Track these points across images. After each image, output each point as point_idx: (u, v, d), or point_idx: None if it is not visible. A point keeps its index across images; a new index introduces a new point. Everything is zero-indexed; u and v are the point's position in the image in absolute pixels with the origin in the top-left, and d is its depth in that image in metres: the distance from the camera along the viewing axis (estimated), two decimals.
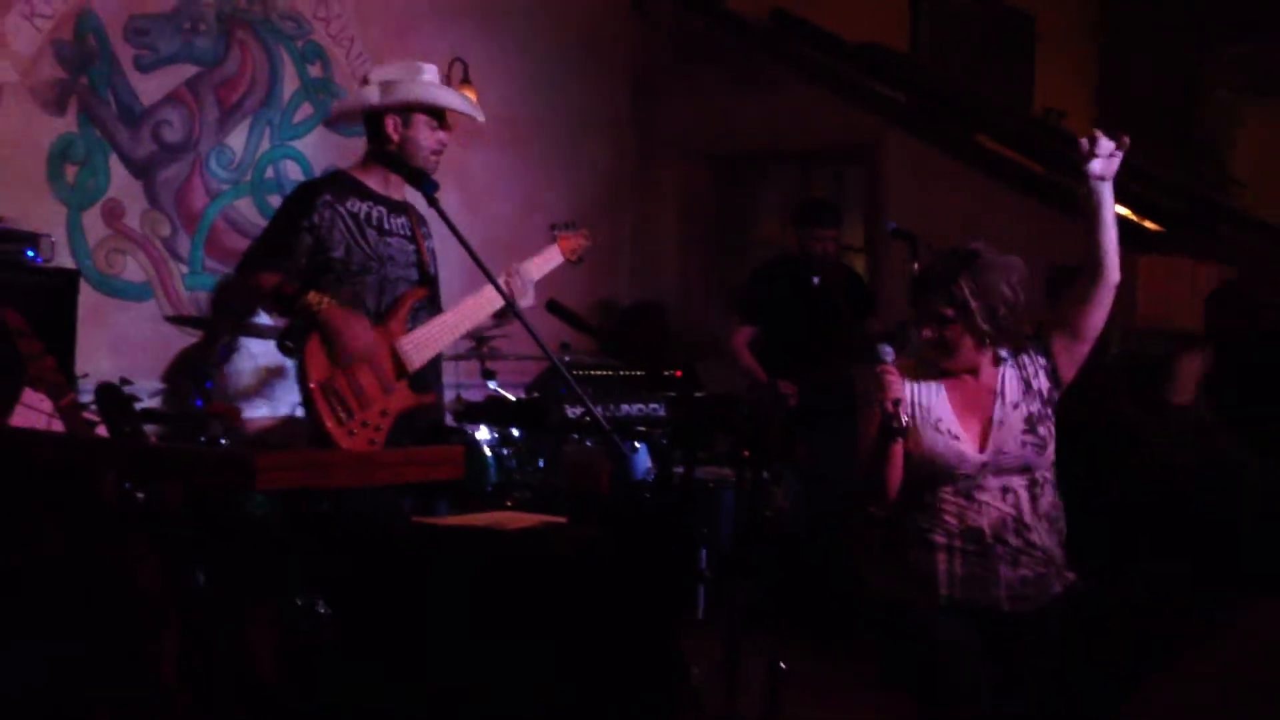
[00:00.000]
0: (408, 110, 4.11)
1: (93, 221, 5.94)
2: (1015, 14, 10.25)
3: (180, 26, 6.25)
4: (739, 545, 4.76)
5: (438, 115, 4.14)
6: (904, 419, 3.16)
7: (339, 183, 4.14)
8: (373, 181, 4.16)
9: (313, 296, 3.86)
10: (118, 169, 6.04)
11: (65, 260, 5.71)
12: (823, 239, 6.36)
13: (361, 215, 4.07)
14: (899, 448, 3.20)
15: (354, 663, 3.33)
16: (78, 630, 3.89)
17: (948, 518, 3.24)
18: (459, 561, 3.35)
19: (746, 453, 4.22)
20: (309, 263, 4.00)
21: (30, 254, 5.26)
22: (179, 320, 5.99)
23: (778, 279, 6.52)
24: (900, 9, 9.60)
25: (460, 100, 4.28)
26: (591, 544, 3.55)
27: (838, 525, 6.11)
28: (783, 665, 4.08)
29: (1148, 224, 7.02)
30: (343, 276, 4.01)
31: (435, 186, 3.96)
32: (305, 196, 4.08)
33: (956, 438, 3.24)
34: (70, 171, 5.88)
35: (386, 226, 4.12)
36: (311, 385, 3.79)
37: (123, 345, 5.97)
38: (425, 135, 4.11)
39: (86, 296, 5.59)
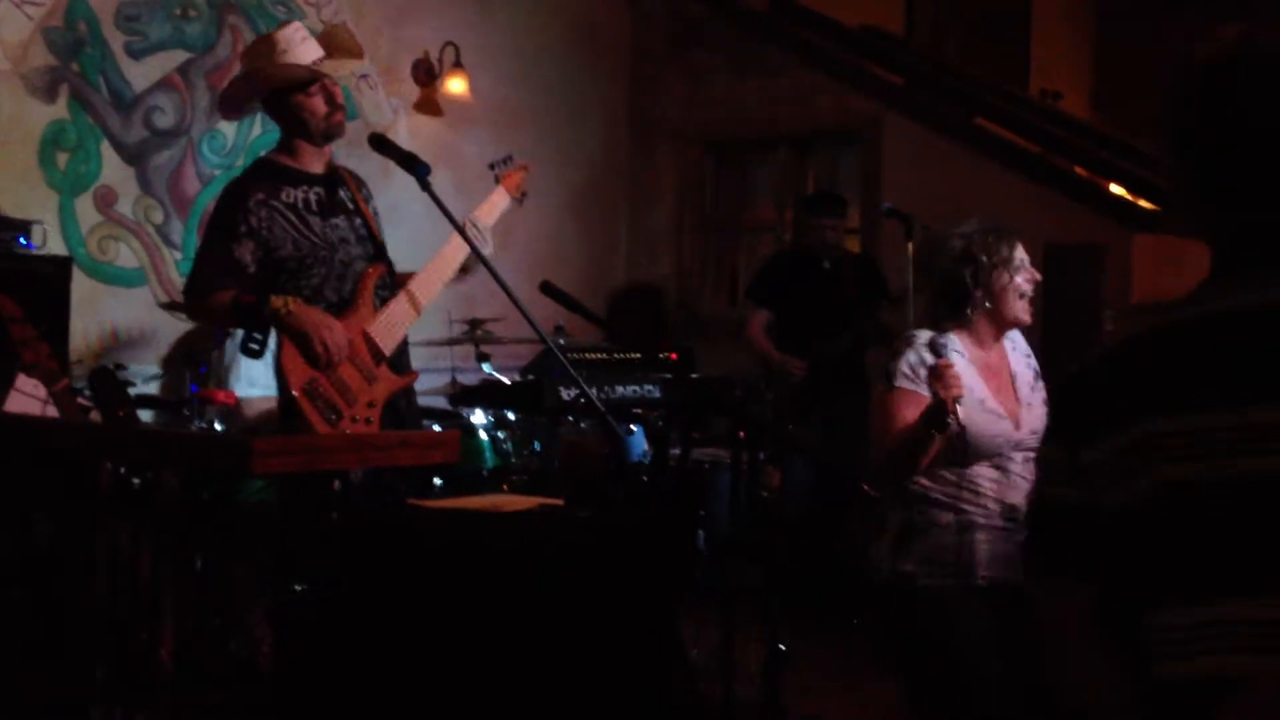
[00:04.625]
0: (276, 94, 3.92)
1: (85, 208, 5.93)
2: None
3: (171, 12, 6.23)
4: (736, 526, 4.75)
5: (306, 78, 3.90)
6: (961, 418, 3.06)
7: (267, 174, 3.93)
8: (300, 162, 3.96)
9: (276, 301, 3.67)
10: (110, 155, 6.02)
11: (58, 247, 5.70)
12: (824, 227, 6.55)
13: (299, 203, 3.88)
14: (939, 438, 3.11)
15: (351, 648, 3.32)
16: (73, 617, 3.89)
17: (987, 497, 3.19)
18: (457, 545, 3.35)
19: (742, 434, 4.21)
20: (259, 268, 3.81)
21: (23, 241, 5.24)
22: (172, 307, 5.98)
23: (790, 265, 6.77)
24: None
25: (311, 56, 3.94)
26: (588, 526, 3.54)
27: (843, 504, 6.15)
28: (782, 647, 4.07)
29: (1142, 203, 7.01)
30: (297, 273, 3.84)
31: (427, 170, 3.80)
32: (235, 200, 3.86)
33: (1002, 417, 3.21)
34: (62, 158, 5.86)
35: (329, 207, 3.95)
36: (295, 394, 3.64)
37: (116, 332, 5.96)
38: (308, 105, 3.91)
39: (79, 283, 5.56)
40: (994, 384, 3.27)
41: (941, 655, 3.19)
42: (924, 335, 3.23)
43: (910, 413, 3.15)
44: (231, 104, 4.18)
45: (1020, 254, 3.29)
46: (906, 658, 3.28)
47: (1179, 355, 1.60)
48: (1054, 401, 1.83)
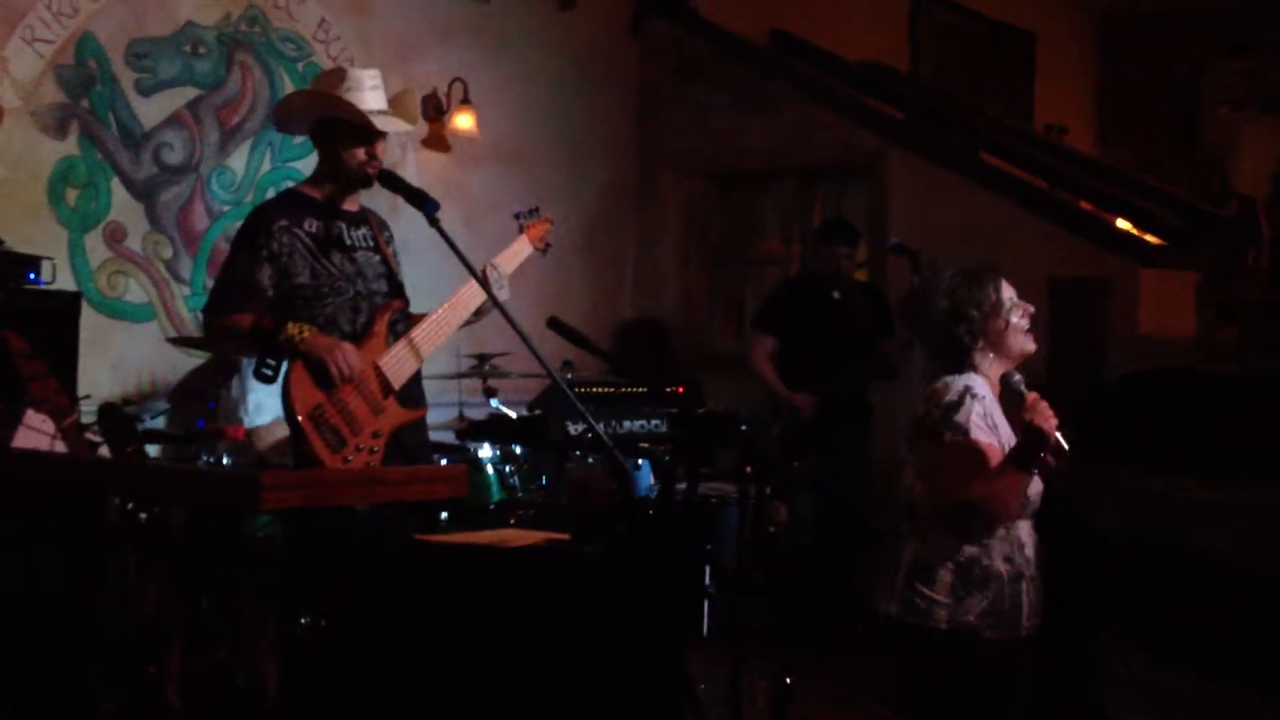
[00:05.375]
0: (327, 123, 3.99)
1: (94, 244, 5.95)
2: (1015, 31, 10.28)
3: (180, 49, 6.27)
4: (744, 562, 4.74)
5: (360, 127, 3.95)
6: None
7: (292, 203, 4.01)
8: (327, 196, 4.03)
9: (292, 328, 3.73)
10: (119, 191, 6.05)
11: (67, 283, 5.71)
12: (838, 256, 6.50)
13: (321, 234, 3.95)
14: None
15: (357, 682, 3.32)
16: (82, 653, 3.89)
17: (1027, 546, 3.19)
18: (464, 580, 3.34)
19: (749, 468, 4.21)
20: (275, 292, 3.88)
21: (32, 277, 5.25)
22: (180, 341, 5.99)
23: (798, 293, 6.67)
24: (900, 27, 9.63)
25: (374, 104, 4.00)
26: (595, 561, 3.53)
27: (848, 538, 6.13)
28: (789, 682, 4.07)
29: (1148, 237, 7.02)
30: (311, 302, 3.90)
31: (436, 206, 3.84)
32: (259, 224, 3.92)
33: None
34: (71, 194, 5.89)
35: (349, 242, 4.01)
36: (301, 418, 3.68)
37: (124, 366, 5.98)
38: (350, 147, 3.96)
39: (88, 318, 5.58)
40: (1016, 429, 3.23)
41: (1002, 707, 3.17)
42: (976, 383, 3.20)
43: (993, 462, 3.10)
44: (282, 116, 4.24)
45: (1006, 292, 3.27)
46: (959, 708, 3.21)
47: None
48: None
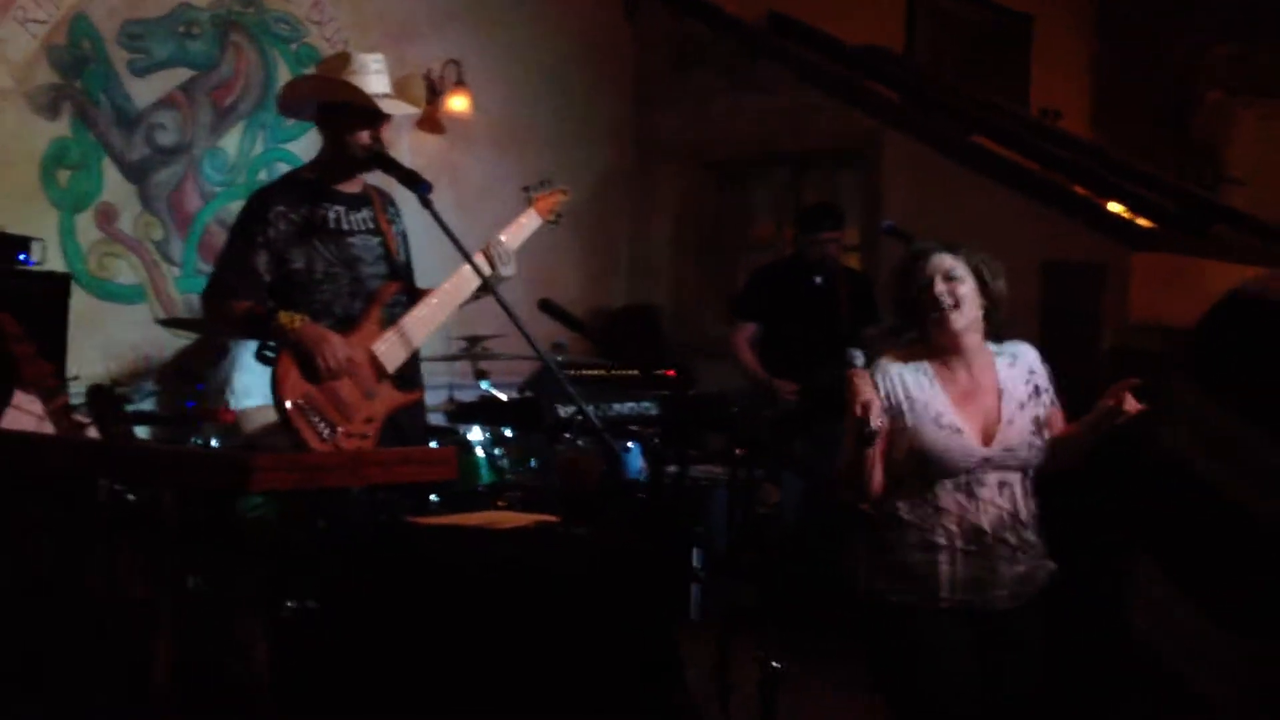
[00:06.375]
0: (332, 107, 3.99)
1: (85, 225, 5.95)
2: (1011, 15, 10.26)
3: (174, 30, 6.25)
4: (733, 545, 4.75)
5: (366, 110, 3.95)
6: (876, 422, 3.07)
7: (291, 187, 4.03)
8: (328, 179, 4.03)
9: (284, 317, 3.76)
10: (111, 173, 6.04)
11: (58, 264, 5.71)
12: (825, 242, 6.42)
13: (318, 220, 3.95)
14: (875, 451, 3.14)
15: (349, 665, 3.32)
16: (68, 637, 3.89)
17: (948, 518, 3.19)
18: (453, 561, 3.35)
19: (739, 451, 4.21)
20: (272, 278, 3.91)
21: (23, 257, 5.25)
22: (171, 323, 5.99)
23: (780, 278, 6.60)
24: (896, 11, 9.60)
25: (379, 88, 4.00)
26: (584, 544, 3.54)
27: (833, 524, 6.11)
28: (776, 665, 4.07)
29: (1141, 221, 7.02)
30: (307, 287, 3.92)
31: (429, 188, 3.83)
32: (257, 209, 3.95)
33: (959, 431, 3.19)
34: (64, 176, 5.88)
35: (346, 226, 4.01)
36: (288, 407, 3.69)
37: (114, 348, 5.97)
38: (354, 131, 3.97)
39: (78, 299, 5.59)
40: (962, 399, 3.25)
41: (905, 670, 3.24)
42: (887, 360, 3.28)
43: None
44: (287, 101, 4.25)
45: (925, 269, 3.24)
46: (878, 670, 3.35)
47: None
48: None
